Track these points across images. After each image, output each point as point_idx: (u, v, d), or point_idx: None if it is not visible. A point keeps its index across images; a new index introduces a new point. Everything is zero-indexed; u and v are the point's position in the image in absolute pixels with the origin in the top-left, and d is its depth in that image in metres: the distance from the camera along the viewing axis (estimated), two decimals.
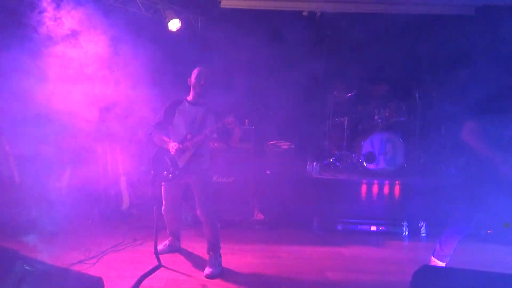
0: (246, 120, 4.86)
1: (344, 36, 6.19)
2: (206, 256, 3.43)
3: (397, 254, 4.05)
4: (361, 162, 5.33)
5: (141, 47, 4.60)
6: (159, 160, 3.44)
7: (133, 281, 3.06)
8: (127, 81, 4.49)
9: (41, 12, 3.58)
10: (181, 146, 3.29)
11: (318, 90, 6.23)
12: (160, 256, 3.50)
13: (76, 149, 4.38)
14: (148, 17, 5.48)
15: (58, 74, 4.16)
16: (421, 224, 4.59)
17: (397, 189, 4.83)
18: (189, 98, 3.48)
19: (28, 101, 3.50)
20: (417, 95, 5.61)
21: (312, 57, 6.18)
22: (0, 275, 2.07)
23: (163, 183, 3.53)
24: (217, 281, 3.22)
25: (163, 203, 3.60)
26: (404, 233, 4.58)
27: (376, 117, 5.55)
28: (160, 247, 3.70)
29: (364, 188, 4.89)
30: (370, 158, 5.28)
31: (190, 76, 3.45)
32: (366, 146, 5.30)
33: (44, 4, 3.75)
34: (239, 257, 3.72)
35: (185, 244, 3.90)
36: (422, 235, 4.56)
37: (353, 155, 5.53)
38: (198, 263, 3.54)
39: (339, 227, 4.66)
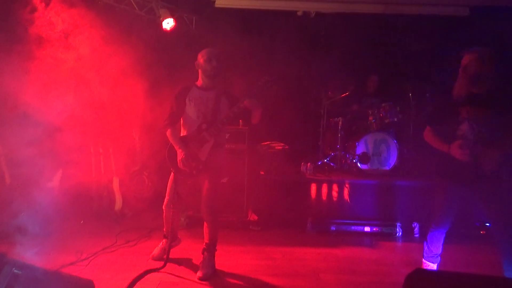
0: (240, 120, 4.84)
1: (339, 36, 6.19)
2: (199, 257, 3.40)
3: (391, 255, 4.05)
4: (355, 163, 5.33)
5: (135, 46, 4.58)
6: (175, 155, 3.19)
7: (125, 284, 3.03)
8: (120, 80, 4.46)
9: (32, 11, 3.52)
10: (186, 156, 3.13)
11: (312, 90, 6.23)
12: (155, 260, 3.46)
13: (68, 150, 4.34)
14: (142, 16, 5.44)
15: (49, 74, 4.12)
16: (414, 224, 4.60)
17: (390, 189, 4.84)
18: (198, 83, 3.26)
19: (19, 101, 3.45)
20: (410, 95, 5.62)
21: (307, 57, 6.18)
22: None
23: (172, 176, 3.33)
24: (211, 282, 3.20)
25: (166, 197, 3.40)
26: (397, 234, 4.59)
27: (370, 117, 5.55)
28: (156, 251, 3.58)
29: (358, 188, 4.90)
30: (364, 158, 5.28)
31: (196, 59, 3.23)
32: (360, 147, 5.31)
33: (35, 3, 3.71)
34: (232, 259, 3.70)
35: (180, 245, 3.87)
36: (415, 235, 4.57)
37: (347, 155, 5.53)
38: (191, 264, 3.51)
39: (333, 228, 4.66)
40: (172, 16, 5.44)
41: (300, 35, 6.12)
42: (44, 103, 3.91)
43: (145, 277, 3.20)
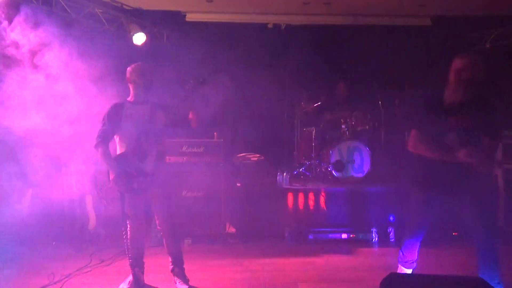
0: (215, 133, 4.84)
1: (309, 48, 6.34)
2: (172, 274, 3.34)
3: (368, 260, 4.12)
4: (330, 171, 5.41)
5: (104, 62, 4.53)
6: (121, 172, 3.03)
7: None
8: (90, 96, 4.39)
9: None
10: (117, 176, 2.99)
11: (285, 101, 6.32)
12: None
13: (37, 168, 4.21)
14: (111, 31, 5.40)
15: (18, 91, 4.02)
16: (390, 229, 4.69)
17: (365, 196, 4.93)
18: (130, 98, 3.19)
19: None
20: (380, 103, 5.78)
21: (278, 68, 6.28)
22: None
23: (127, 197, 3.13)
24: None
25: (128, 221, 3.20)
26: (373, 240, 4.67)
27: (342, 126, 5.66)
28: (123, 286, 3.29)
29: (334, 196, 4.97)
30: (339, 166, 5.37)
31: (125, 74, 3.15)
32: (334, 155, 5.40)
33: (1, 20, 3.63)
34: (211, 273, 3.66)
35: (153, 262, 3.79)
36: (391, 240, 4.66)
37: (322, 164, 5.61)
38: (168, 281, 3.45)
39: (311, 237, 4.69)
40: (142, 31, 5.42)
41: (271, 47, 6.22)
42: (9, 120, 3.81)
43: None
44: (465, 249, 4.23)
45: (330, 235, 4.72)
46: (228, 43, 5.87)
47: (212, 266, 3.86)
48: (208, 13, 6.22)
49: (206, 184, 4.60)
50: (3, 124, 3.41)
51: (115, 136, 3.16)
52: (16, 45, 4.03)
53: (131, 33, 5.36)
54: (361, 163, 5.40)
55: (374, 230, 4.69)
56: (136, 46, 5.45)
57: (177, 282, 3.28)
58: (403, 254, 3.06)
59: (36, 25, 4.16)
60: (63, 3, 4.75)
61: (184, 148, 4.61)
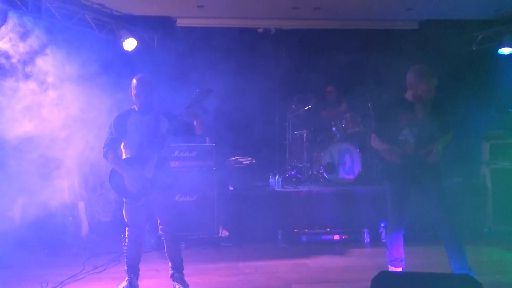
0: (207, 137, 4.87)
1: (299, 51, 6.40)
2: (170, 280, 3.36)
3: (360, 261, 4.16)
4: (322, 173, 5.46)
5: (95, 68, 4.54)
6: (120, 179, 3.07)
7: None
8: (81, 102, 4.39)
9: None
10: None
11: (276, 105, 6.37)
12: None
13: (28, 175, 4.20)
14: (102, 37, 5.40)
15: (6, 97, 4.01)
16: (381, 230, 4.75)
17: (356, 197, 4.99)
18: (135, 107, 3.25)
19: None
20: (370, 105, 5.86)
21: (269, 72, 6.33)
22: None
23: (124, 204, 3.21)
24: None
25: (127, 228, 3.25)
26: (365, 240, 4.73)
27: (333, 128, 5.73)
28: None
29: (326, 198, 5.01)
30: (330, 168, 5.42)
31: (130, 87, 3.21)
32: (326, 157, 5.45)
33: None
34: (205, 278, 3.68)
35: (149, 267, 3.81)
36: (383, 240, 4.71)
37: (314, 166, 5.66)
38: (162, 287, 3.46)
39: (304, 239, 4.73)
40: (133, 36, 5.43)
41: (261, 51, 6.28)
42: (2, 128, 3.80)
43: None
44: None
45: (322, 237, 4.76)
46: (218, 48, 5.91)
47: (206, 270, 3.88)
48: (199, 18, 6.25)
49: (198, 189, 4.63)
50: None
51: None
52: (5, 51, 4.03)
53: (122, 39, 5.36)
54: (352, 164, 5.47)
55: (365, 231, 4.75)
56: (127, 52, 5.46)
57: (176, 287, 3.30)
58: (390, 252, 3.17)
59: (25, 31, 4.17)
60: (52, 10, 4.75)
61: (176, 153, 4.63)
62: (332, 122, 5.76)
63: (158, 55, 5.69)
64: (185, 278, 3.36)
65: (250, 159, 5.19)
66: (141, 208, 3.19)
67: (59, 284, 3.48)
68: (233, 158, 5.21)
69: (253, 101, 5.99)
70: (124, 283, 3.29)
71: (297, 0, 5.67)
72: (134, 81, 3.20)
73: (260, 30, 6.51)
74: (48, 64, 4.19)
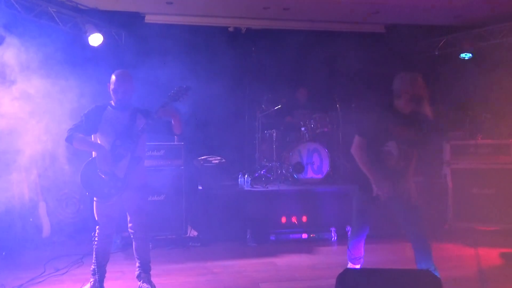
0: (176, 136, 4.80)
1: (269, 51, 6.44)
2: (135, 281, 3.29)
3: (327, 259, 4.23)
4: (291, 172, 5.51)
5: (58, 63, 4.37)
6: (91, 177, 2.98)
7: None
8: (42, 98, 4.22)
9: None
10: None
11: (246, 104, 6.37)
12: None
13: None
14: (67, 32, 5.22)
15: None
16: (348, 228, 4.85)
17: (324, 196, 5.07)
18: (112, 103, 3.18)
19: None
20: (338, 106, 5.98)
21: (239, 71, 6.33)
22: None
23: (95, 203, 3.09)
24: None
25: (97, 227, 3.13)
26: (333, 239, 4.81)
27: (302, 128, 5.80)
28: None
29: (294, 197, 5.06)
30: (299, 168, 5.48)
31: (109, 81, 3.13)
32: (294, 157, 5.51)
33: None
34: (172, 278, 3.62)
35: (114, 268, 3.71)
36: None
37: (283, 166, 5.71)
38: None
39: (272, 238, 4.76)
40: (99, 31, 5.28)
41: (232, 50, 6.27)
42: None
43: None
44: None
45: (291, 236, 4.81)
46: (188, 46, 5.85)
47: (174, 270, 3.82)
48: (168, 15, 6.17)
49: (166, 188, 4.55)
50: None
51: (95, 139, 3.13)
52: None
53: (87, 34, 5.20)
54: (320, 164, 5.55)
55: (333, 229, 4.84)
56: (92, 47, 5.31)
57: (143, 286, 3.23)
58: (350, 252, 3.26)
59: None
60: (12, 1, 4.54)
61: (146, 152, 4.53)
62: (301, 122, 5.83)
63: (125, 51, 5.57)
64: (152, 279, 3.29)
65: (219, 158, 5.17)
66: (112, 206, 3.11)
67: None
68: (202, 157, 5.17)
69: (223, 100, 5.97)
70: (88, 285, 3.19)
71: (268, 0, 5.71)
72: (114, 76, 3.13)
73: (230, 29, 6.51)
74: (6, 56, 4.00)
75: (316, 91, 6.38)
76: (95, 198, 3.09)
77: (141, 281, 3.26)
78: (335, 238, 4.81)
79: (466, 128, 5.42)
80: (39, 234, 4.47)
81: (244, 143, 6.26)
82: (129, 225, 3.24)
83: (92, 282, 3.16)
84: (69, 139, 3.03)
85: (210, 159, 5.12)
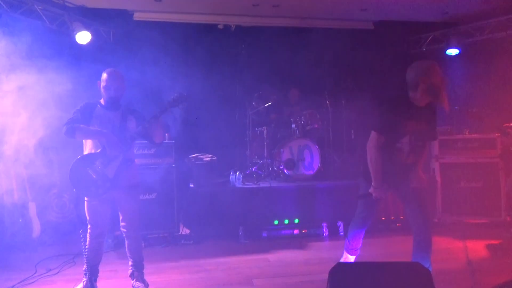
0: (167, 134, 4.78)
1: (259, 49, 6.44)
2: (128, 280, 3.28)
3: (319, 254, 4.28)
4: (282, 169, 5.54)
5: (46, 61, 4.32)
6: (80, 174, 2.95)
7: None
8: (29, 98, 4.17)
9: None
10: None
11: (237, 101, 6.38)
12: None
13: None
14: (54, 30, 5.15)
15: None
16: (339, 224, 4.91)
17: (315, 192, 5.11)
18: (103, 102, 3.16)
19: None
20: (328, 102, 6.02)
21: (229, 69, 6.32)
22: None
23: (86, 202, 3.08)
24: None
25: (89, 226, 3.14)
26: (324, 234, 4.86)
27: (293, 125, 5.83)
28: None
29: (286, 194, 5.10)
30: (290, 164, 5.51)
31: (100, 79, 3.10)
32: (285, 154, 5.53)
33: None
34: (165, 276, 3.63)
35: (107, 268, 3.70)
36: (340, 234, 4.86)
37: (274, 162, 5.73)
38: (123, 287, 3.38)
39: (264, 234, 4.79)
40: (87, 29, 5.23)
41: (222, 47, 6.26)
42: None
43: None
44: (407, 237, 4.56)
45: (283, 232, 4.85)
46: (177, 43, 5.82)
47: (167, 268, 3.83)
48: (157, 13, 6.13)
49: (158, 186, 4.54)
50: None
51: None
52: None
53: (75, 32, 5.14)
54: (311, 160, 5.59)
55: (324, 224, 4.88)
56: (81, 46, 5.25)
57: (136, 287, 3.23)
58: (349, 242, 3.28)
59: None
60: None
61: (134, 150, 4.50)
62: (292, 119, 5.86)
63: (114, 49, 5.52)
64: (145, 277, 3.30)
65: (210, 156, 5.17)
66: (104, 205, 3.10)
67: None
68: (193, 155, 5.16)
69: (213, 97, 5.97)
70: (81, 285, 3.18)
71: None
72: (105, 73, 3.10)
73: (220, 27, 6.49)
74: None
75: (306, 88, 6.41)
76: (86, 198, 3.08)
77: (134, 279, 3.26)
78: (327, 233, 4.86)
79: (453, 123, 5.51)
80: (29, 235, 4.43)
81: (235, 140, 6.26)
82: (121, 224, 3.23)
83: (84, 282, 3.15)
84: (70, 131, 2.97)
85: (201, 156, 5.12)
